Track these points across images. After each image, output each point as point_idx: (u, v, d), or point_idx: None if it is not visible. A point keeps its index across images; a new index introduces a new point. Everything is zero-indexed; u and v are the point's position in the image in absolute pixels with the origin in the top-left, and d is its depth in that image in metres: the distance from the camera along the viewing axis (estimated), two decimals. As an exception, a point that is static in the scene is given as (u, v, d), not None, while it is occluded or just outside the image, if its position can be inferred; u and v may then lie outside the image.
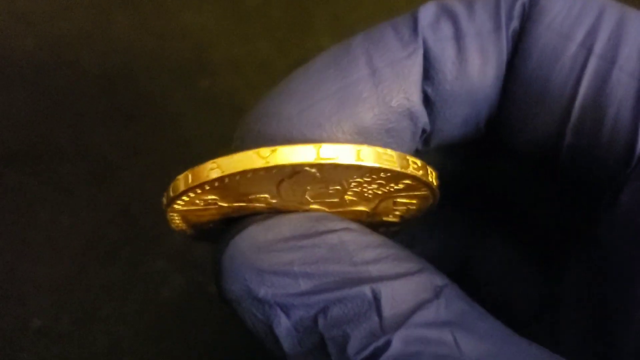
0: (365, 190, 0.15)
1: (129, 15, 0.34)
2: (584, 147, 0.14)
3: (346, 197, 0.15)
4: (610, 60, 0.14)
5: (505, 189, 0.19)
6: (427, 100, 0.15)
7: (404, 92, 0.14)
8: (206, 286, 0.26)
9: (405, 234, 0.17)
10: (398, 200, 0.15)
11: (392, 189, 0.15)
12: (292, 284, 0.13)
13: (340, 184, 0.14)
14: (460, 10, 0.15)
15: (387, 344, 0.13)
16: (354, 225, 0.14)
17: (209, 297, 0.25)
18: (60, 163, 0.28)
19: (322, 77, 0.15)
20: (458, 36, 0.14)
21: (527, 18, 0.15)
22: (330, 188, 0.14)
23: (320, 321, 0.13)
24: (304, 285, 0.13)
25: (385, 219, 0.16)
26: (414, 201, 0.15)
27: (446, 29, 0.14)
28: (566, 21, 0.14)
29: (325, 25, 0.33)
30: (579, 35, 0.14)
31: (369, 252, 0.14)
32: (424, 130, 0.15)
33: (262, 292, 0.13)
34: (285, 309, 0.13)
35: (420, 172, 0.14)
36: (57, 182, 0.28)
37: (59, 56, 0.32)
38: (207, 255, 0.26)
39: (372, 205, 0.15)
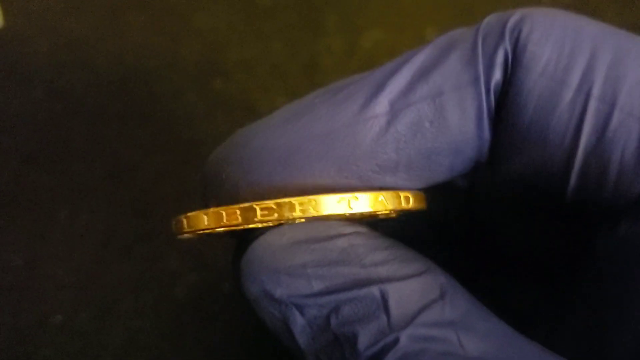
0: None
1: (142, 16, 0.34)
2: (589, 190, 0.14)
3: None
4: (609, 103, 0.14)
5: (504, 225, 0.18)
6: (402, 159, 0.15)
7: (361, 161, 0.15)
8: (219, 285, 0.26)
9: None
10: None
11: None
12: (306, 285, 0.14)
13: None
14: (436, 64, 0.14)
15: (395, 341, 0.13)
16: (363, 229, 0.15)
17: (222, 297, 0.26)
18: (76, 162, 0.29)
19: (283, 128, 0.15)
20: (434, 95, 0.14)
21: (516, 65, 0.14)
22: None
23: (332, 320, 0.14)
24: (317, 286, 0.14)
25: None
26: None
27: (419, 91, 0.14)
28: (559, 66, 0.14)
29: (336, 27, 0.34)
30: (574, 79, 0.14)
31: (377, 254, 0.14)
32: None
33: (278, 292, 0.14)
34: (300, 308, 0.14)
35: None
36: (74, 181, 0.28)
37: (74, 57, 0.33)
38: (219, 255, 0.27)
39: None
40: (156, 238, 0.27)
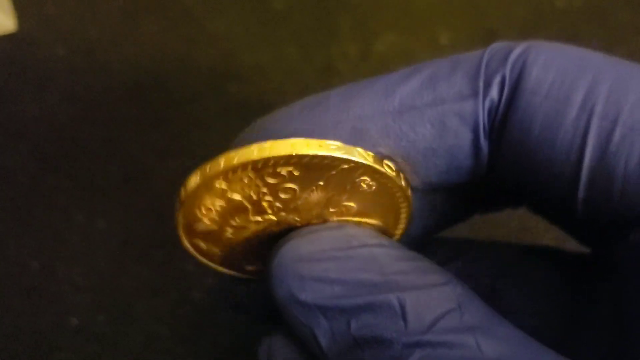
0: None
1: (157, 21, 0.34)
2: (598, 202, 0.15)
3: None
4: (612, 120, 0.14)
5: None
6: (404, 154, 0.16)
7: (364, 149, 0.16)
8: (235, 289, 0.26)
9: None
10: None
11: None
12: (328, 289, 0.15)
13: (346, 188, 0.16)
14: (443, 76, 0.16)
15: (414, 348, 0.14)
16: (386, 242, 0.16)
17: (237, 300, 0.26)
18: (93, 166, 0.29)
19: (298, 116, 0.17)
20: (438, 102, 0.16)
21: (518, 90, 0.15)
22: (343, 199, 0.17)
23: (352, 324, 0.15)
24: (338, 290, 0.15)
25: None
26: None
27: (425, 97, 0.16)
28: (562, 88, 0.15)
29: (350, 31, 0.34)
30: (578, 99, 0.15)
31: (397, 264, 0.15)
32: None
33: (303, 296, 0.15)
34: (323, 312, 0.15)
35: (390, 172, 0.16)
36: (91, 185, 0.29)
37: (90, 61, 0.33)
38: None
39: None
40: (173, 242, 0.27)
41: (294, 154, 0.15)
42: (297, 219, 0.17)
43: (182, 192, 0.16)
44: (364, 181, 0.16)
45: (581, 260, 0.19)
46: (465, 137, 0.16)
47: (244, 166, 0.15)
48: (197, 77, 0.32)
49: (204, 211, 0.17)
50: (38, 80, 0.32)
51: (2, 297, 0.26)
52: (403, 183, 0.16)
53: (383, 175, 0.16)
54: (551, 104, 0.15)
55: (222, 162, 0.15)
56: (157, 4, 0.35)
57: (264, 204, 0.17)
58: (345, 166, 0.16)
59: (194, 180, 0.16)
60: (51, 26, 0.34)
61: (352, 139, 0.16)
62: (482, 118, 0.16)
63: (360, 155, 0.16)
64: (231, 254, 0.18)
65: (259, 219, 0.17)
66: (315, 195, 0.16)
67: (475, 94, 0.16)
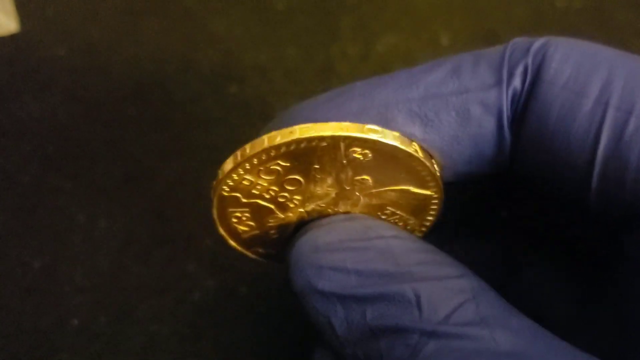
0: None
1: (158, 21, 0.34)
2: (610, 191, 0.15)
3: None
4: (626, 111, 0.15)
5: (534, 216, 0.20)
6: (430, 141, 0.17)
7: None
8: (236, 290, 0.26)
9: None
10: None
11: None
12: (345, 278, 0.16)
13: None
14: (467, 67, 0.16)
15: (429, 338, 0.14)
16: (403, 234, 0.17)
17: (238, 301, 0.26)
18: (94, 166, 0.29)
19: (325, 104, 0.17)
20: (462, 91, 0.16)
21: (538, 80, 0.16)
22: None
23: (368, 314, 0.15)
24: (355, 280, 0.15)
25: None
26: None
27: (451, 86, 0.16)
28: (579, 80, 0.16)
29: (350, 32, 0.34)
30: (594, 91, 0.15)
31: (413, 256, 0.16)
32: None
33: (320, 285, 0.16)
34: (340, 300, 0.15)
35: (421, 154, 0.17)
36: (93, 185, 0.29)
37: (91, 62, 0.33)
38: (237, 259, 0.27)
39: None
40: (174, 242, 0.27)
41: (275, 144, 0.16)
42: (323, 205, 0.18)
43: (219, 174, 0.17)
44: (354, 152, 0.17)
45: (585, 258, 0.19)
46: (489, 125, 0.16)
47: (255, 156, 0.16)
48: (197, 77, 0.32)
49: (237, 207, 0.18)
50: (39, 80, 0.32)
51: (4, 296, 0.26)
52: (407, 149, 0.16)
53: (368, 141, 0.16)
54: (568, 95, 0.15)
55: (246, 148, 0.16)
56: (158, 4, 0.35)
57: (281, 199, 0.17)
58: (324, 144, 0.16)
59: (229, 163, 0.17)
60: (53, 27, 0.34)
61: (378, 124, 0.16)
62: (506, 107, 0.16)
63: (328, 128, 0.16)
64: (255, 237, 0.19)
65: (289, 214, 0.18)
66: (322, 180, 0.17)
67: (499, 83, 0.16)
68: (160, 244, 0.27)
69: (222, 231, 0.19)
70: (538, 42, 0.16)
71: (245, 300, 0.26)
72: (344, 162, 0.17)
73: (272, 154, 0.16)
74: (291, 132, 0.16)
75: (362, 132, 0.16)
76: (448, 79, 0.16)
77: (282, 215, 0.18)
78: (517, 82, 0.16)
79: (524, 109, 0.16)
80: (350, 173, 0.17)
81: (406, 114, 0.16)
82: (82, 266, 0.26)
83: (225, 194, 0.17)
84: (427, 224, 0.18)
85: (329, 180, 0.17)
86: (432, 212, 0.18)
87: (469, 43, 0.34)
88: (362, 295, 0.15)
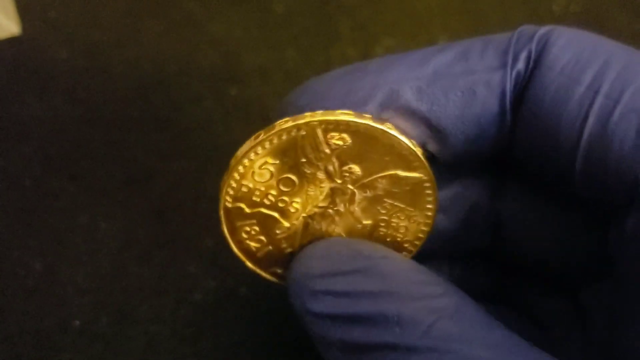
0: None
1: (158, 23, 0.35)
2: (594, 174, 0.16)
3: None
4: (614, 99, 0.16)
5: (523, 222, 0.20)
6: (436, 118, 0.17)
7: (394, 106, 0.17)
8: (236, 290, 0.27)
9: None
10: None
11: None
12: (336, 301, 0.16)
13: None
14: (475, 51, 0.17)
15: (410, 352, 0.15)
16: (392, 254, 0.17)
17: (239, 301, 0.26)
18: (95, 168, 0.29)
19: (340, 79, 0.18)
20: (469, 72, 0.17)
21: (538, 64, 0.17)
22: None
23: (356, 331, 0.16)
24: (344, 302, 0.16)
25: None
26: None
27: (458, 67, 0.17)
28: (576, 67, 0.16)
29: (349, 34, 0.34)
30: (587, 78, 0.16)
31: (398, 277, 0.16)
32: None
33: (314, 307, 0.17)
34: (332, 320, 0.16)
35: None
36: (93, 187, 0.29)
37: (92, 64, 0.33)
38: (237, 260, 0.27)
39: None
40: (175, 243, 0.27)
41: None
42: (323, 205, 0.18)
43: (232, 160, 0.18)
44: (332, 137, 0.17)
45: (564, 268, 0.19)
46: (493, 106, 0.17)
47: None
48: (198, 79, 0.33)
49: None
50: (41, 82, 0.32)
51: (5, 298, 0.26)
52: (381, 126, 0.17)
53: (341, 123, 0.17)
54: (563, 80, 0.16)
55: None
56: (159, 7, 0.35)
57: (281, 204, 0.18)
58: (303, 132, 0.17)
59: (245, 147, 0.18)
60: (54, 29, 0.34)
61: (388, 100, 0.17)
62: (509, 89, 0.17)
63: (302, 117, 0.17)
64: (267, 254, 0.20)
65: (293, 221, 0.19)
66: (313, 176, 0.18)
67: (503, 66, 0.17)
68: (160, 245, 0.27)
69: (237, 251, 0.19)
70: (543, 29, 0.17)
71: (245, 301, 0.26)
72: (327, 151, 0.17)
73: (259, 151, 0.17)
74: (272, 127, 0.17)
75: (334, 115, 0.17)
76: (457, 61, 0.17)
77: (287, 224, 0.18)
78: (520, 65, 0.17)
79: (524, 90, 0.17)
80: (336, 163, 0.18)
81: (415, 90, 0.17)
82: (84, 267, 0.27)
83: (229, 205, 0.18)
84: (430, 213, 0.19)
85: (320, 175, 0.18)
86: (429, 199, 0.18)
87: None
88: (350, 315, 0.16)
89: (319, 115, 0.17)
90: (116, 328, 0.25)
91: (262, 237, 0.19)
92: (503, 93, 0.17)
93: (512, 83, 0.17)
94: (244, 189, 0.18)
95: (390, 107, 0.17)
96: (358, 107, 0.17)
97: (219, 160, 0.31)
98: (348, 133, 0.17)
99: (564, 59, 0.16)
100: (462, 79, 0.17)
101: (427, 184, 0.18)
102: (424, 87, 0.17)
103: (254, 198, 0.18)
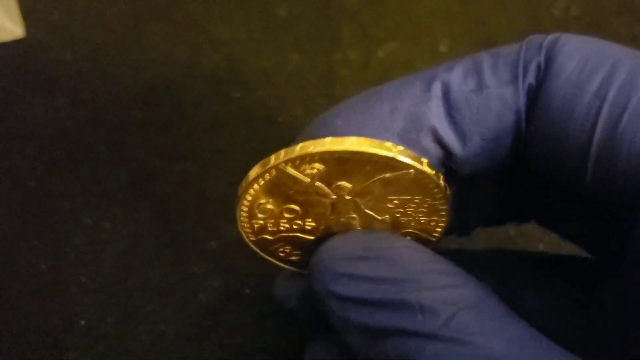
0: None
1: (162, 27, 0.35)
2: (604, 179, 0.16)
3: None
4: (621, 106, 0.16)
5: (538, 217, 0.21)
6: (456, 136, 0.18)
7: (421, 132, 0.18)
8: (241, 291, 0.27)
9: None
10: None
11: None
12: (358, 285, 0.17)
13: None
14: (486, 65, 0.17)
15: (430, 340, 0.15)
16: (414, 245, 0.18)
17: (243, 302, 0.26)
18: (100, 169, 0.30)
19: (354, 108, 0.18)
20: (482, 87, 0.17)
21: (546, 74, 0.17)
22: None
23: (377, 316, 0.16)
24: (366, 287, 0.17)
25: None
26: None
27: (470, 83, 0.17)
28: (582, 75, 0.16)
29: (352, 38, 0.34)
30: (593, 86, 0.16)
31: (420, 265, 0.17)
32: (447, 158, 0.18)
33: (336, 289, 0.17)
34: (354, 303, 0.17)
35: (425, 168, 0.17)
36: (98, 188, 0.29)
37: (96, 66, 0.33)
38: (241, 261, 0.28)
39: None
40: (179, 244, 0.28)
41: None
42: (336, 214, 0.19)
43: (242, 183, 0.18)
44: (305, 169, 0.17)
45: (580, 264, 0.19)
46: (509, 120, 0.17)
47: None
48: (201, 82, 0.33)
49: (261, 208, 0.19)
50: (46, 84, 0.32)
51: (11, 298, 0.26)
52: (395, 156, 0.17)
53: (305, 157, 0.17)
54: (569, 88, 0.16)
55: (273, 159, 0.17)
56: (162, 10, 0.36)
57: (296, 227, 0.19)
58: (274, 173, 0.17)
59: (254, 171, 0.18)
60: (58, 32, 0.34)
61: (410, 123, 0.17)
62: (523, 101, 0.17)
63: (270, 161, 0.17)
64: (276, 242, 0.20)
65: (316, 233, 0.19)
66: (308, 200, 0.18)
67: (515, 78, 0.17)
68: (165, 246, 0.28)
69: (289, 267, 0.20)
70: (550, 38, 0.17)
71: (249, 301, 0.26)
72: (307, 180, 0.17)
73: (249, 198, 0.18)
74: (247, 177, 0.17)
75: (294, 152, 0.17)
76: (469, 77, 0.17)
77: (311, 237, 0.19)
78: (531, 77, 0.17)
79: (535, 101, 0.17)
80: (322, 185, 0.18)
81: (435, 111, 0.17)
82: (88, 268, 0.27)
83: (254, 239, 0.19)
84: (438, 193, 0.18)
85: (315, 197, 0.18)
86: (434, 190, 0.18)
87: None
88: (371, 300, 0.16)
89: (282, 156, 0.17)
90: (121, 328, 0.26)
91: (298, 252, 0.20)
92: (517, 106, 0.17)
93: (525, 95, 0.17)
94: (256, 226, 0.18)
95: (411, 130, 0.18)
96: (378, 135, 0.17)
97: (223, 163, 0.32)
98: (316, 162, 0.17)
99: (570, 67, 0.17)
100: (476, 96, 0.17)
101: (426, 181, 0.18)
102: (441, 104, 0.17)
103: (270, 228, 0.19)
